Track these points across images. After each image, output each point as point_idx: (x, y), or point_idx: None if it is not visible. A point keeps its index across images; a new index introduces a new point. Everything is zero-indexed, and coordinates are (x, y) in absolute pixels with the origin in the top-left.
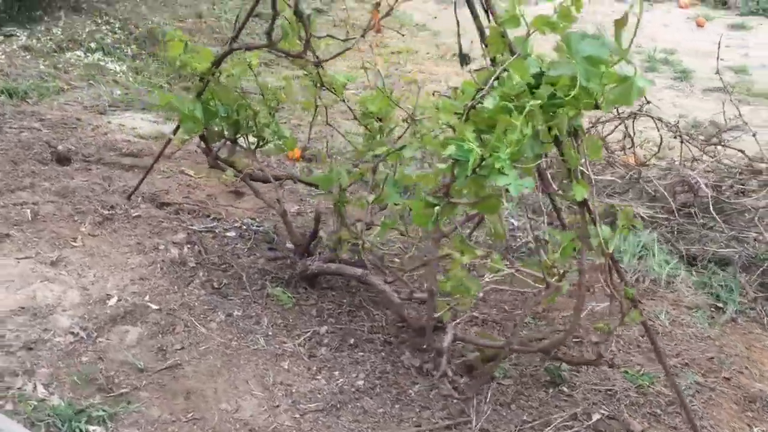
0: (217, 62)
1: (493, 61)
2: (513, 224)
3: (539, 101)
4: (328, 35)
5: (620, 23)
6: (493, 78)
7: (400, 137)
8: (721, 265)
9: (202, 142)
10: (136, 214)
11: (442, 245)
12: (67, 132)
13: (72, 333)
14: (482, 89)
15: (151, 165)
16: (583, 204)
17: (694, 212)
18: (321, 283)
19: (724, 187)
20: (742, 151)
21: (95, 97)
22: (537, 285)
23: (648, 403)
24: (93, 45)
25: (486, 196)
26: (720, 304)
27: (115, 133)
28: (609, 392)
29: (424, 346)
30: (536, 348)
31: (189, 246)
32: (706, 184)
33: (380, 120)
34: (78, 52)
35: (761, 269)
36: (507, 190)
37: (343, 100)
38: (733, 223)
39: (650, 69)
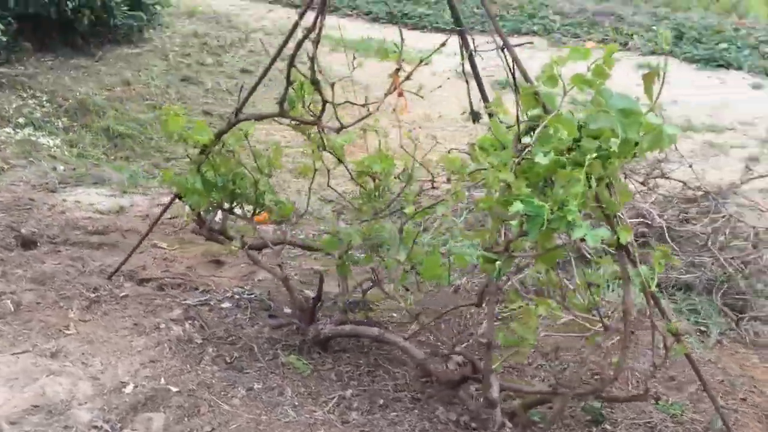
0: (220, 134)
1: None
2: None
3: (595, 154)
4: (347, 101)
5: (649, 77)
6: (536, 135)
7: (398, 194)
8: (684, 290)
9: (193, 214)
10: (123, 294)
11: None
12: (24, 213)
13: (95, 427)
14: (528, 146)
15: (138, 242)
16: (624, 246)
17: (651, 242)
18: (333, 346)
19: (668, 217)
20: (684, 183)
21: (41, 175)
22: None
23: (686, 431)
24: (21, 120)
25: (551, 249)
26: (703, 329)
27: (74, 211)
28: (648, 425)
29: (455, 399)
30: (588, 390)
31: (189, 322)
32: (658, 215)
33: (374, 179)
34: (7, 129)
35: (722, 291)
36: (582, 240)
37: (341, 161)
38: (684, 249)
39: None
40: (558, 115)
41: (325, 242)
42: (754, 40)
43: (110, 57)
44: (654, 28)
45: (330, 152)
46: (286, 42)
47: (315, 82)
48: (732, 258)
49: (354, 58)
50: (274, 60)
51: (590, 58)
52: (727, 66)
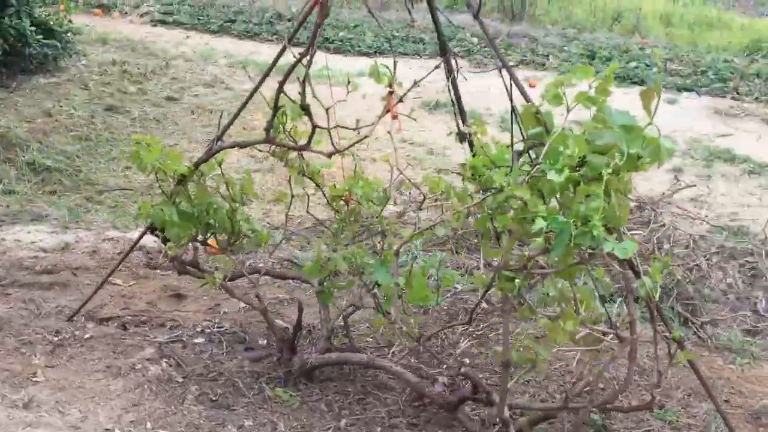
0: (199, 163)
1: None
2: None
3: (610, 169)
4: (338, 125)
5: (648, 94)
6: (545, 152)
7: (377, 216)
8: (636, 299)
9: (177, 247)
10: (87, 335)
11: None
12: None
13: None
14: (538, 163)
15: (102, 281)
16: (628, 259)
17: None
18: (318, 375)
19: None
20: None
21: None
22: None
23: None
24: None
25: (571, 264)
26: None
27: (16, 250)
28: None
29: (454, 422)
30: (595, 404)
31: (165, 360)
32: None
33: (347, 202)
34: None
35: (671, 298)
36: (610, 254)
37: (318, 186)
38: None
39: (506, 129)
40: (563, 132)
41: (308, 270)
42: (659, 58)
43: (26, 87)
44: (566, 48)
45: (309, 177)
46: (271, 67)
47: (305, 108)
48: (678, 265)
49: (348, 81)
50: (258, 86)
51: (591, 77)
52: (641, 83)
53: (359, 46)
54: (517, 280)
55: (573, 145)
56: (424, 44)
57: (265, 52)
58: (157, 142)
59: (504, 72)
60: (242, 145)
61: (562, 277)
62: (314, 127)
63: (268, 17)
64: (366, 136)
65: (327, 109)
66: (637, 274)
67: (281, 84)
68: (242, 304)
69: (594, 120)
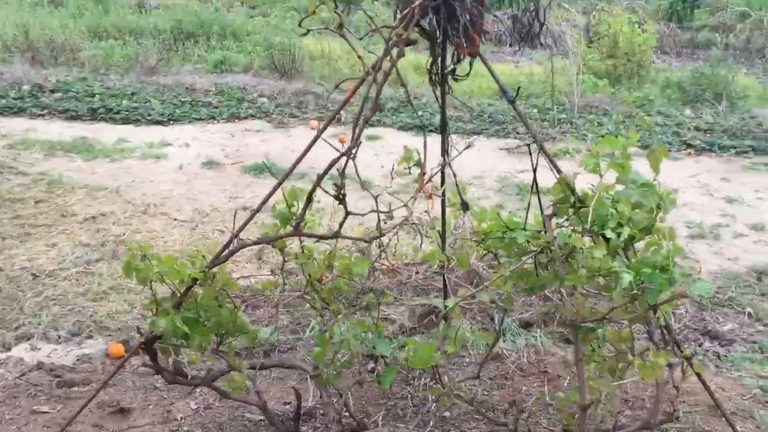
0: (214, 264)
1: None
2: None
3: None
4: (372, 210)
5: (656, 155)
6: (591, 215)
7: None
8: (525, 327)
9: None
10: None
11: None
12: None
13: None
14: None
15: (83, 405)
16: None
17: None
18: None
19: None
20: None
21: None
22: None
23: None
24: None
25: (642, 311)
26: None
27: None
28: None
29: None
30: (640, 425)
31: None
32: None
33: (319, 281)
34: None
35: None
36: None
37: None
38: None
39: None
40: (599, 197)
41: (317, 356)
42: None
43: None
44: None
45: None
46: (301, 158)
47: (340, 198)
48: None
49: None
50: (286, 176)
51: (619, 147)
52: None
53: (149, 115)
54: (600, 330)
55: (622, 206)
56: (215, 107)
57: (43, 128)
58: (147, 248)
59: (534, 147)
60: (267, 241)
61: (637, 322)
62: (347, 213)
63: (28, 90)
64: (407, 220)
65: (377, 197)
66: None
67: (320, 178)
68: (194, 405)
69: (619, 182)
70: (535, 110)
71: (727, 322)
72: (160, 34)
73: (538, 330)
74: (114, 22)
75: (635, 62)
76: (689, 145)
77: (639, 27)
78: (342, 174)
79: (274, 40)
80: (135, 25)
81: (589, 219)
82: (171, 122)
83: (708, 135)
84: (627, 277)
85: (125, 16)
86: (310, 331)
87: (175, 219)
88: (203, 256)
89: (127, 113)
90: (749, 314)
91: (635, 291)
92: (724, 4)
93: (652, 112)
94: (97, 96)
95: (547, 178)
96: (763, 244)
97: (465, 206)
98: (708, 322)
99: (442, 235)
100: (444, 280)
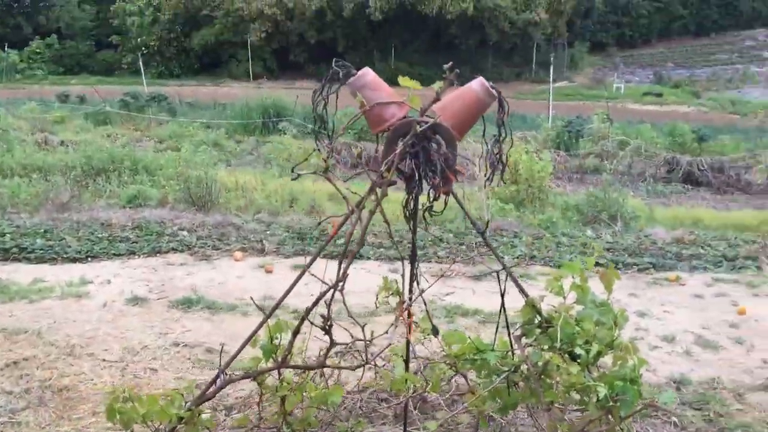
0: (202, 401)
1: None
2: None
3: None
4: (357, 339)
5: (608, 277)
6: (558, 333)
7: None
8: None
9: None
10: None
11: None
12: None
13: None
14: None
15: None
16: None
17: None
18: None
19: None
20: None
21: None
22: None
23: None
24: None
25: (617, 422)
26: None
27: None
28: None
29: None
30: None
31: None
32: None
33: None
34: None
35: None
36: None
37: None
38: None
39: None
40: (564, 317)
41: None
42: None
43: None
44: (269, 231)
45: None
46: (288, 291)
47: (326, 329)
48: None
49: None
50: (273, 311)
51: (578, 272)
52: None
53: (66, 253)
54: None
55: (586, 325)
56: (134, 242)
57: None
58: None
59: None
60: (253, 375)
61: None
62: (332, 343)
63: None
64: (390, 344)
65: (363, 326)
66: None
67: (308, 311)
68: None
69: (578, 302)
70: (451, 234)
71: None
72: (71, 170)
73: None
74: (19, 160)
75: (536, 187)
76: (598, 264)
77: (536, 155)
78: (329, 306)
79: (189, 174)
80: (42, 162)
81: (558, 338)
82: (89, 259)
83: (611, 254)
84: (602, 390)
85: (32, 154)
86: None
87: (104, 359)
88: (182, 395)
89: (42, 251)
90: (674, 423)
91: (610, 403)
92: (605, 134)
93: (557, 233)
94: (8, 235)
95: (477, 301)
96: (675, 354)
97: (435, 331)
98: None
99: (406, 361)
100: (405, 407)
